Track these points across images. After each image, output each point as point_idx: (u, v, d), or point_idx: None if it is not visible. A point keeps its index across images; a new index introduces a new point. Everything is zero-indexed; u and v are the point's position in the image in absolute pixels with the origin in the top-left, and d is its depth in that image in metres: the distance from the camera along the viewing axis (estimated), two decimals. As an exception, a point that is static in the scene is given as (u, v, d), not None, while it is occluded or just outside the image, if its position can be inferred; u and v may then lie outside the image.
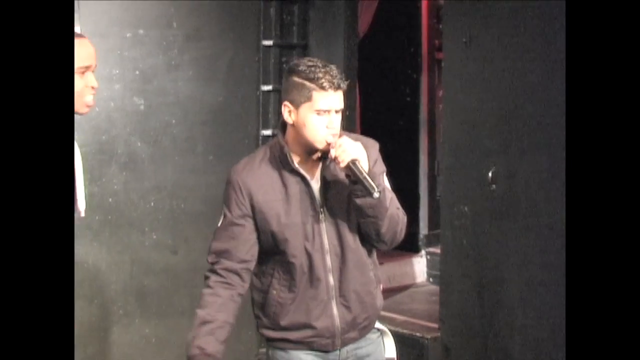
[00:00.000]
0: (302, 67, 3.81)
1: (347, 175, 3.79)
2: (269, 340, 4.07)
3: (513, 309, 5.85)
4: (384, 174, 4.01)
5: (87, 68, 3.72)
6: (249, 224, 3.89)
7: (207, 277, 3.95)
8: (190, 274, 6.85)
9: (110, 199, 6.66)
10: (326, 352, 4.02)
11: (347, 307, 3.96)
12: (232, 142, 7.19)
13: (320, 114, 3.76)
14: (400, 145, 8.66)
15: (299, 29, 7.48)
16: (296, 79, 3.80)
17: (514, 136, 5.79)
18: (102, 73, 6.11)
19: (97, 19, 6.45)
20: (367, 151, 3.86)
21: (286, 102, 3.83)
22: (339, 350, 4.02)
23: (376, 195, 3.73)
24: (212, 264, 3.94)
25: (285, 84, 3.90)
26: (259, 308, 4.06)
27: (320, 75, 3.76)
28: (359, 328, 4.04)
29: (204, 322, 3.91)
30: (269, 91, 7.29)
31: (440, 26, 7.86)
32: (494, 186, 6.03)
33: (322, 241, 3.92)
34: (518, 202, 5.83)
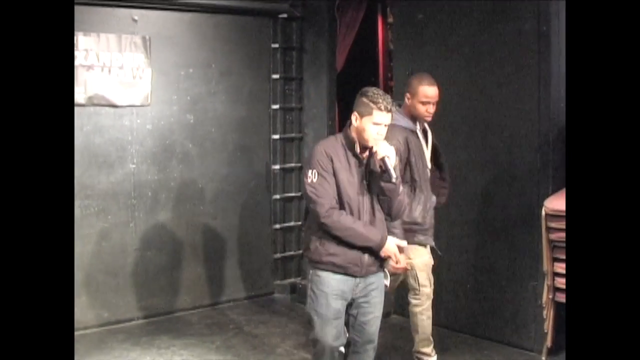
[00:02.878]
0: (369, 93, 4.19)
1: (380, 166, 4.21)
2: (319, 263, 4.23)
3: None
4: (397, 168, 4.29)
5: None
6: (333, 178, 4.16)
7: (330, 212, 4.10)
8: (226, 232, 7.41)
9: (172, 183, 7.06)
10: (354, 277, 4.25)
11: (371, 251, 4.25)
12: (252, 143, 7.53)
13: (375, 125, 4.15)
14: None
15: (297, 67, 7.79)
16: (364, 99, 4.18)
17: (442, 138, 5.76)
18: (164, 98, 6.92)
19: (162, 62, 6.89)
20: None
21: (355, 112, 4.20)
22: (359, 278, 4.26)
23: (394, 180, 4.15)
24: (326, 207, 4.10)
25: (357, 100, 4.22)
26: (318, 238, 4.22)
27: (380, 100, 4.13)
28: (377, 265, 4.32)
29: (361, 224, 4.15)
30: (276, 109, 7.64)
31: (392, 63, 7.77)
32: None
33: (364, 201, 4.23)
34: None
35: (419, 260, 5.30)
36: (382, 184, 4.20)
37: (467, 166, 6.18)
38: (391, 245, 4.24)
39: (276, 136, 7.67)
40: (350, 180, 4.19)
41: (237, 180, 7.45)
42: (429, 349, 5.44)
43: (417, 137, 5.28)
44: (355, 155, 4.22)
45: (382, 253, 4.24)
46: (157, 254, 7.01)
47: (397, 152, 5.02)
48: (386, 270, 4.46)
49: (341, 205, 4.18)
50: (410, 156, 5.16)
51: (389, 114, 4.17)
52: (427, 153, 5.38)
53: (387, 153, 4.16)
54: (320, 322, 4.26)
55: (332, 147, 4.24)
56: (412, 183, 5.21)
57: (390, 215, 4.36)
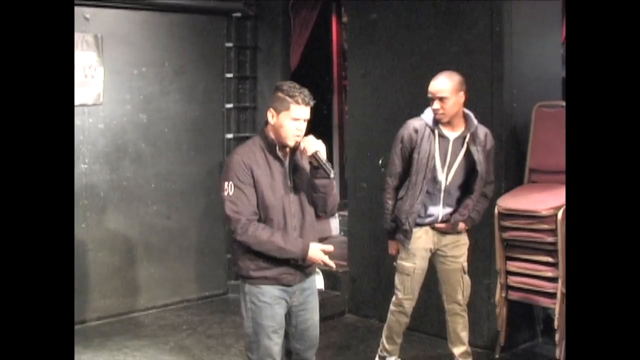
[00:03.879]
0: (285, 87, 3.93)
1: (310, 162, 3.95)
2: (249, 278, 4.01)
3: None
4: None
5: None
6: (252, 189, 3.91)
7: (246, 226, 3.87)
8: (180, 232, 7.35)
9: (124, 183, 6.98)
10: (289, 286, 4.04)
11: None
12: (206, 143, 7.48)
13: (294, 121, 3.89)
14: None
15: (251, 66, 7.74)
16: (280, 94, 3.91)
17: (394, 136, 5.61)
18: (117, 97, 6.83)
19: (114, 61, 6.80)
20: None
21: (271, 109, 3.93)
22: (295, 285, 4.06)
23: (332, 176, 3.95)
24: (243, 221, 3.87)
25: (272, 96, 3.96)
26: (242, 253, 4.00)
27: (297, 94, 3.87)
28: (308, 270, 4.13)
29: (280, 235, 3.90)
30: (230, 108, 7.60)
31: (346, 63, 7.94)
32: (382, 169, 5.99)
33: (290, 205, 3.98)
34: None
35: (400, 262, 5.16)
36: (316, 180, 3.98)
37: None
38: (315, 252, 3.96)
39: (230, 135, 7.62)
40: (273, 185, 3.94)
41: (191, 180, 7.39)
42: (389, 346, 5.29)
43: (434, 137, 4.92)
44: (276, 157, 3.97)
45: (308, 261, 4.01)
46: (110, 255, 6.93)
47: (399, 139, 5.00)
48: (319, 271, 4.27)
49: (265, 214, 3.95)
50: (415, 150, 4.93)
51: (308, 108, 3.93)
52: (445, 160, 4.95)
53: (317, 148, 3.92)
54: (267, 336, 4.00)
55: (249, 154, 3.96)
56: (408, 178, 5.02)
57: (325, 212, 4.15)
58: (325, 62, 8.97)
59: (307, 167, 4.04)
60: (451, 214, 5.08)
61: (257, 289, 4.01)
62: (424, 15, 6.22)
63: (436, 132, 4.92)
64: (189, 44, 7.34)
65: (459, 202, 5.07)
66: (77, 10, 6.47)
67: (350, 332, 6.41)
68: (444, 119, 4.87)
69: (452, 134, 4.94)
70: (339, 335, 6.38)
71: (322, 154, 3.94)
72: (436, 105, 4.85)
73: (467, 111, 4.99)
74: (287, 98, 3.90)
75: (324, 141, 4.04)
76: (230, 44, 7.60)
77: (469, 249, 5.20)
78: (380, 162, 6.41)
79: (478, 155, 4.94)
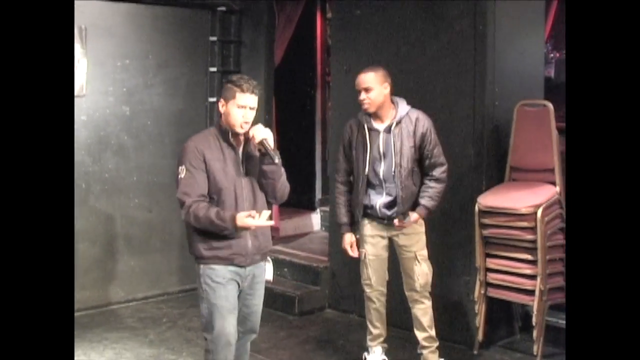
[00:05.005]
0: (233, 78, 4.24)
1: (259, 150, 4.14)
2: (202, 259, 4.18)
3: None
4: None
5: None
6: (203, 173, 4.09)
7: (190, 206, 4.02)
8: (161, 225, 7.34)
9: (106, 175, 6.98)
10: (241, 267, 4.20)
11: (255, 237, 4.22)
12: (189, 136, 6.57)
13: (240, 108, 4.11)
14: (303, 138, 8.77)
15: (234, 60, 7.73)
16: (228, 84, 4.20)
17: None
18: (100, 89, 6.81)
19: (98, 52, 6.79)
20: None
21: (221, 99, 4.20)
22: (247, 267, 4.22)
23: (277, 161, 4.11)
24: (189, 202, 4.03)
25: (223, 88, 4.26)
26: (195, 235, 4.15)
27: (242, 83, 4.13)
28: (261, 253, 4.31)
29: (215, 211, 4.00)
30: (213, 102, 7.43)
31: (329, 58, 7.88)
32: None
33: (242, 190, 4.16)
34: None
35: (363, 250, 5.34)
36: (264, 167, 4.15)
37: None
38: (241, 220, 3.97)
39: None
40: (225, 170, 4.13)
41: (173, 173, 7.04)
42: (368, 337, 5.44)
43: (365, 131, 5.13)
44: (229, 144, 4.18)
45: (240, 228, 4.03)
46: (90, 247, 6.91)
47: (340, 138, 5.30)
48: (270, 261, 4.43)
49: (218, 197, 4.11)
50: (352, 147, 5.22)
51: (253, 96, 4.15)
52: (379, 151, 5.14)
53: (264, 135, 4.10)
54: (221, 315, 4.14)
55: (203, 140, 4.19)
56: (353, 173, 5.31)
57: (275, 198, 4.31)
58: (309, 57, 8.97)
59: (258, 154, 4.21)
60: (392, 202, 5.19)
61: (210, 270, 4.17)
62: (407, 12, 6.22)
63: (366, 126, 5.18)
64: (173, 37, 7.32)
65: (407, 188, 5.18)
66: (61, 0, 6.48)
67: (330, 327, 6.43)
68: (370, 108, 5.12)
69: (381, 126, 5.17)
70: (319, 330, 6.40)
71: (270, 142, 4.11)
72: (362, 95, 5.11)
73: (397, 99, 5.22)
74: (234, 87, 4.15)
75: (307, 136, 4.09)
76: (214, 38, 7.59)
77: (448, 245, 5.23)
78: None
79: (408, 141, 5.12)
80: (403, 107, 5.19)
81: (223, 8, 7.58)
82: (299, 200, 8.71)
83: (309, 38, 8.88)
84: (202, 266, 4.20)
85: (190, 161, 4.12)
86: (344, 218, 5.36)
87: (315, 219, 8.76)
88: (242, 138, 4.20)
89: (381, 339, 5.45)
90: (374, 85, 5.09)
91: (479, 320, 5.65)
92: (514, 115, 5.77)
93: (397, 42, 6.32)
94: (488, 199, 5.47)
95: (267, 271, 4.42)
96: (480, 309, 5.61)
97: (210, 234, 4.11)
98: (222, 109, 4.19)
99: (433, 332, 5.35)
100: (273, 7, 7.74)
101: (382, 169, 5.14)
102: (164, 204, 7.31)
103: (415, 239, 5.26)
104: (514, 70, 5.94)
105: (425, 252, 5.30)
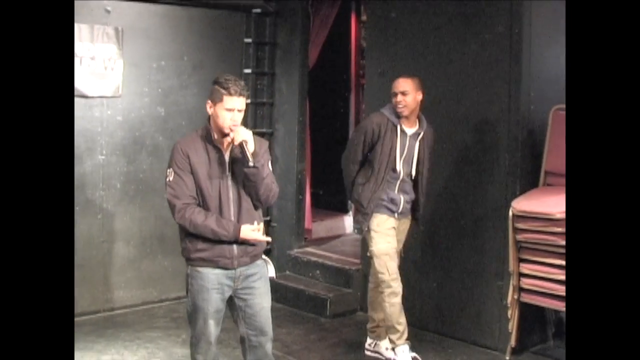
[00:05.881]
0: (220, 79, 4.11)
1: (241, 151, 4.07)
2: (189, 260, 4.22)
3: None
4: (269, 161, 4.24)
5: None
6: (190, 175, 4.08)
7: (183, 209, 4.06)
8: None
9: (141, 175, 7.02)
10: (228, 269, 4.17)
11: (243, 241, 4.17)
12: None
13: (228, 111, 4.05)
14: (337, 140, 8.57)
15: (269, 62, 7.74)
16: (215, 86, 4.11)
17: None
18: (136, 90, 6.85)
19: (134, 54, 6.82)
20: (259, 144, 4.12)
21: (208, 101, 4.13)
22: (235, 269, 4.18)
23: (250, 164, 4.02)
24: (180, 205, 4.07)
25: (211, 89, 4.16)
26: (185, 236, 4.20)
27: (230, 85, 4.03)
28: (250, 255, 4.23)
29: (214, 218, 4.05)
30: (247, 104, 7.40)
31: (364, 61, 7.97)
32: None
33: (228, 192, 4.14)
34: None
35: (375, 248, 5.51)
36: (245, 169, 4.09)
37: (436, 166, 6.14)
38: (245, 233, 4.09)
39: (247, 129, 7.57)
40: (210, 172, 4.12)
41: None
42: (394, 336, 5.49)
43: (397, 132, 5.43)
44: (214, 146, 4.15)
45: (241, 240, 4.11)
46: (124, 246, 6.94)
47: (363, 131, 5.51)
48: (268, 259, 4.40)
49: (203, 200, 4.12)
50: (378, 143, 5.40)
51: (241, 99, 4.09)
52: (403, 153, 5.48)
53: (244, 138, 4.05)
54: (203, 318, 4.20)
55: (189, 143, 4.17)
56: (370, 166, 5.49)
57: (260, 201, 4.25)
58: (344, 60, 8.95)
59: (240, 156, 4.17)
60: (406, 200, 5.58)
61: (195, 272, 4.20)
62: (443, 14, 6.20)
63: (398, 127, 5.45)
64: (208, 39, 7.34)
65: (408, 191, 5.59)
66: (99, 2, 6.54)
67: (362, 329, 6.35)
68: (405, 112, 5.42)
69: (409, 130, 5.51)
70: (351, 333, 6.39)
71: (250, 145, 4.06)
72: (399, 97, 5.41)
73: (419, 113, 5.59)
74: (221, 90, 4.08)
75: (341, 138, 4.05)
76: (249, 40, 7.60)
77: (481, 250, 5.28)
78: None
79: (426, 151, 5.59)
80: (424, 120, 5.58)
81: (258, 10, 7.60)
82: (331, 203, 8.80)
83: (344, 40, 8.86)
84: (189, 267, 4.26)
85: (177, 164, 4.11)
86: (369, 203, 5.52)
87: (348, 221, 8.72)
88: (230, 140, 4.15)
89: (406, 335, 5.53)
90: (410, 91, 5.41)
91: (512, 326, 5.61)
92: (549, 119, 5.71)
93: (432, 44, 6.30)
94: (522, 204, 5.42)
95: (269, 269, 4.41)
96: (513, 314, 5.57)
97: (198, 237, 4.14)
98: (209, 110, 4.15)
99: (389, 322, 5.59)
100: (308, 9, 7.72)
101: (402, 169, 5.47)
102: (197, 205, 7.28)
103: (406, 235, 5.75)
104: (549, 73, 5.86)
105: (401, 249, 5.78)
